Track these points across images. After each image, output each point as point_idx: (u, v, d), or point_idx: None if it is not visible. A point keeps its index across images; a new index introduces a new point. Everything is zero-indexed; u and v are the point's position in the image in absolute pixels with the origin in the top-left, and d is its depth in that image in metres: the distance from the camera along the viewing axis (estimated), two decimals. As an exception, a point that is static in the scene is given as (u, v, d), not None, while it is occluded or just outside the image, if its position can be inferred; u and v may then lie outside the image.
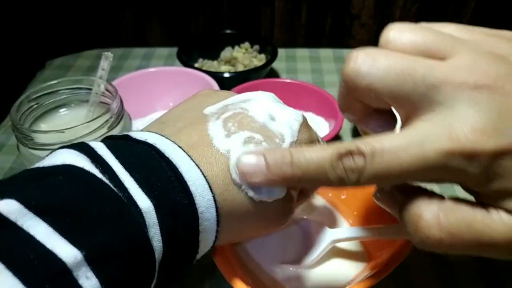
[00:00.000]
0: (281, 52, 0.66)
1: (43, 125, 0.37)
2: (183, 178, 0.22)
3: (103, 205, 0.19)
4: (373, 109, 0.24)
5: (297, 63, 0.68)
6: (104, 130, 0.34)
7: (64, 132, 0.32)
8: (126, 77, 0.53)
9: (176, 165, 0.22)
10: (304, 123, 0.27)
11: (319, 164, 0.21)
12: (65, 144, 0.23)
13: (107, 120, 0.34)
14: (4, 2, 0.70)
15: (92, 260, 0.17)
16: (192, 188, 0.22)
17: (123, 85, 0.48)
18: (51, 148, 0.32)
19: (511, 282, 0.35)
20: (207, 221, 0.22)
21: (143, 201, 0.20)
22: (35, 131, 0.33)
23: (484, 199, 0.20)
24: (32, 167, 0.21)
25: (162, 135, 0.24)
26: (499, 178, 0.19)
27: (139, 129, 0.27)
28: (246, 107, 0.26)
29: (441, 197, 0.21)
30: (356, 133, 0.52)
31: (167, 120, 0.26)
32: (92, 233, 0.18)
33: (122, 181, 0.20)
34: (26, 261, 0.16)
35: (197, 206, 0.22)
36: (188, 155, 0.23)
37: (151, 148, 0.22)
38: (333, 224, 0.36)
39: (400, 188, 0.22)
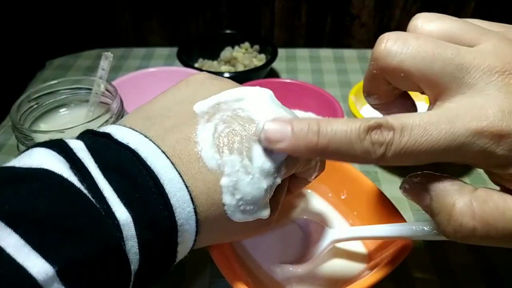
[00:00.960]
0: (281, 52, 0.66)
1: (43, 125, 0.37)
2: (164, 189, 0.21)
3: (80, 218, 0.18)
4: (397, 95, 0.25)
5: (297, 63, 0.68)
6: (104, 130, 0.34)
7: (64, 132, 0.32)
8: (126, 77, 0.53)
9: (157, 175, 0.21)
10: None
11: (346, 135, 0.20)
12: (43, 142, 0.21)
13: (107, 120, 0.34)
14: (4, 2, 0.70)
15: (64, 275, 0.17)
16: (173, 200, 0.21)
17: (123, 85, 0.48)
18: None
19: (511, 282, 0.35)
20: (186, 232, 0.22)
21: (122, 213, 0.19)
22: (35, 131, 0.33)
23: (510, 185, 0.20)
24: (7, 165, 0.19)
25: (146, 137, 0.22)
26: None
27: (122, 118, 0.25)
28: (240, 108, 0.24)
29: (472, 187, 0.21)
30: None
31: (153, 115, 0.24)
32: (66, 246, 0.17)
33: (101, 190, 0.19)
34: None
35: (176, 219, 0.21)
36: (171, 162, 0.22)
37: (133, 154, 0.21)
38: (333, 224, 0.36)
39: (429, 177, 0.22)
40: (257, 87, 0.26)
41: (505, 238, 0.19)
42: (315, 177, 0.29)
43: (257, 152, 0.23)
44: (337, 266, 0.32)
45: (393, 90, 0.24)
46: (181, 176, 0.22)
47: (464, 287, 0.34)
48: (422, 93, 0.23)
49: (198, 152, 0.22)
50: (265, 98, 0.25)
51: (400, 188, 0.24)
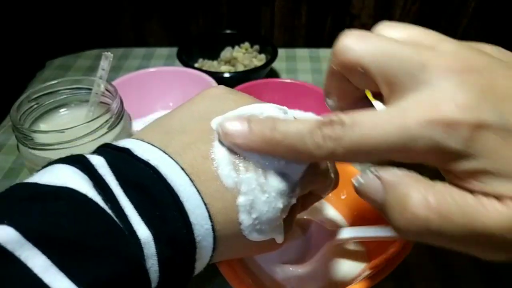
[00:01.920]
0: (281, 52, 0.66)
1: (43, 125, 0.37)
2: (183, 206, 0.21)
3: (105, 238, 0.18)
4: (357, 98, 0.25)
5: (297, 63, 0.68)
6: (104, 130, 0.34)
7: (64, 132, 0.32)
8: (126, 77, 0.53)
9: (177, 192, 0.21)
10: None
11: (298, 131, 0.21)
12: (64, 157, 0.21)
13: (107, 120, 0.34)
14: (4, 2, 0.70)
15: None
16: (192, 218, 0.21)
17: (123, 85, 0.48)
18: (51, 148, 0.32)
19: (511, 282, 0.35)
20: (203, 249, 0.22)
21: (143, 232, 0.19)
22: (35, 131, 0.33)
23: (465, 183, 0.19)
24: (29, 180, 0.20)
25: (165, 153, 0.22)
26: (479, 155, 0.18)
27: (139, 131, 0.26)
28: None
29: (429, 179, 0.20)
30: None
31: (171, 130, 0.24)
32: (91, 267, 0.17)
33: (123, 209, 0.20)
34: None
35: (195, 236, 0.21)
36: (190, 179, 0.22)
37: (153, 171, 0.21)
38: (333, 224, 0.36)
39: (385, 169, 0.21)
40: (273, 104, 0.26)
41: (463, 236, 0.18)
42: (328, 193, 0.29)
43: (273, 170, 0.23)
44: (337, 266, 0.32)
45: (352, 91, 0.24)
46: (199, 193, 0.22)
47: (464, 287, 0.34)
48: (378, 94, 0.23)
49: (216, 171, 0.23)
50: (281, 114, 0.25)
51: (353, 185, 0.23)
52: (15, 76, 0.67)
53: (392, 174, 0.20)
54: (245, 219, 0.23)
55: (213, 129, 0.24)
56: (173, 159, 0.22)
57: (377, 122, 0.19)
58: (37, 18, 0.76)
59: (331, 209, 0.37)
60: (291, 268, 0.32)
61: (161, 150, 0.23)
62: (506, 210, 0.18)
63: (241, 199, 0.22)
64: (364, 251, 0.33)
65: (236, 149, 0.23)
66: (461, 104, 0.18)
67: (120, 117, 0.36)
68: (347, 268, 0.32)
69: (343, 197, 0.36)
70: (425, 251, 0.37)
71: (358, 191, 0.22)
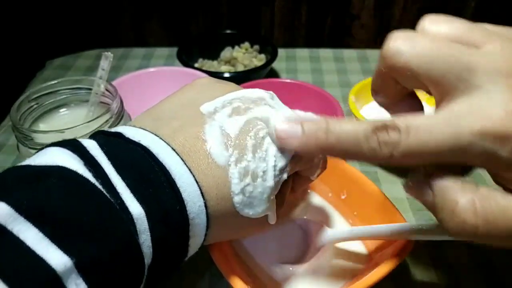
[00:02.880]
0: (281, 52, 0.66)
1: (43, 125, 0.37)
2: (176, 184, 0.21)
3: (95, 212, 0.19)
4: (405, 94, 0.25)
5: (297, 63, 0.68)
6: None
7: (64, 132, 0.32)
8: (126, 77, 0.53)
9: (169, 170, 0.22)
10: None
11: (354, 135, 0.21)
12: (56, 141, 0.22)
13: (107, 120, 0.34)
14: (4, 2, 0.70)
15: (82, 268, 0.17)
16: (184, 195, 0.22)
17: (123, 85, 0.48)
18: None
19: (511, 282, 0.35)
20: (197, 226, 0.23)
21: (135, 208, 0.20)
22: (35, 131, 0.33)
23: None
24: (22, 163, 0.20)
25: (156, 135, 0.23)
26: None
27: (131, 121, 0.26)
28: (245, 107, 0.26)
29: (475, 184, 0.21)
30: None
31: (162, 117, 0.25)
32: (83, 240, 0.18)
33: (115, 186, 0.20)
34: (16, 268, 0.16)
35: (188, 213, 0.22)
36: (182, 159, 0.22)
37: (144, 151, 0.22)
38: (333, 224, 0.36)
39: (432, 174, 0.22)
40: (259, 89, 0.27)
41: (506, 237, 0.19)
42: (318, 176, 0.29)
43: (264, 148, 0.24)
44: (337, 266, 0.32)
45: (400, 89, 0.24)
46: (191, 172, 0.22)
47: (464, 287, 0.34)
48: (429, 93, 0.23)
49: (207, 149, 0.23)
50: (268, 98, 0.27)
51: (404, 185, 0.24)
52: (15, 76, 0.67)
53: (440, 180, 0.21)
54: (237, 194, 0.23)
55: (203, 113, 0.25)
56: (164, 141, 0.23)
57: (431, 129, 0.20)
58: (37, 18, 0.76)
59: (331, 209, 0.37)
60: (291, 268, 0.32)
61: (152, 133, 0.23)
62: None
63: (233, 175, 0.23)
64: (364, 251, 0.33)
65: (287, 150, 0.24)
66: (510, 112, 0.19)
67: (120, 117, 0.36)
68: (347, 268, 0.32)
69: (343, 197, 0.36)
70: (425, 251, 0.37)
71: (408, 192, 0.23)
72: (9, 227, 0.17)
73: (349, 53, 0.70)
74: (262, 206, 0.24)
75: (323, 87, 0.58)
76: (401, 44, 0.22)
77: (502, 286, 0.35)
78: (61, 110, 0.38)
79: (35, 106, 0.36)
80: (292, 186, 0.29)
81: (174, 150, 0.23)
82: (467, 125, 0.19)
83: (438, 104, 0.22)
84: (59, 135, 0.32)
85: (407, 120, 0.20)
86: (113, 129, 0.24)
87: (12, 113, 0.34)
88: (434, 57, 0.21)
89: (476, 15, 0.74)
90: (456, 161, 0.20)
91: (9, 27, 0.73)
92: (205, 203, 0.22)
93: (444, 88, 0.21)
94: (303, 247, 0.33)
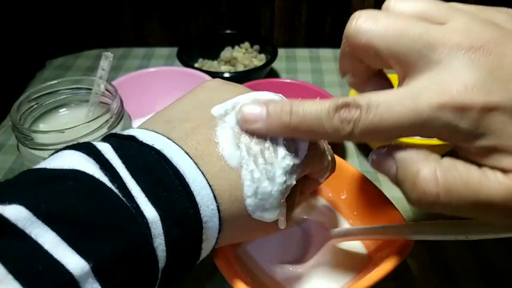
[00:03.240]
0: (281, 52, 0.66)
1: (43, 125, 0.37)
2: (189, 187, 0.22)
3: (112, 216, 0.19)
4: (372, 74, 0.25)
5: (297, 63, 0.68)
6: (104, 130, 0.34)
7: (64, 132, 0.32)
8: (126, 77, 0.53)
9: (183, 174, 0.22)
10: None
11: (316, 114, 0.22)
12: (70, 144, 0.22)
13: (107, 120, 0.34)
14: (4, 2, 0.70)
15: (98, 271, 0.17)
16: (198, 198, 0.22)
17: (123, 85, 0.48)
18: (51, 148, 0.32)
19: (511, 282, 0.35)
20: (210, 230, 0.23)
21: (150, 212, 0.20)
22: (35, 131, 0.33)
23: (476, 158, 0.20)
24: (38, 166, 0.20)
25: (169, 139, 0.23)
26: (489, 134, 0.19)
27: (142, 123, 0.26)
28: None
29: (437, 155, 0.21)
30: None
31: (173, 119, 0.25)
32: (99, 244, 0.18)
33: (130, 190, 0.20)
34: (34, 271, 0.16)
35: (201, 216, 0.22)
36: (195, 162, 0.22)
37: (158, 155, 0.22)
38: (333, 224, 0.36)
39: (395, 147, 0.22)
40: (269, 92, 0.27)
41: (468, 207, 0.20)
42: (326, 178, 0.30)
43: (276, 151, 0.24)
44: (337, 266, 0.32)
45: (366, 68, 0.25)
46: (204, 176, 0.22)
47: (464, 287, 0.34)
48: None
49: (220, 152, 0.23)
50: (278, 100, 0.26)
51: (368, 160, 0.24)
52: (15, 76, 0.67)
53: (403, 152, 0.22)
54: (250, 197, 0.23)
55: (214, 116, 0.25)
56: (176, 144, 0.23)
57: (391, 105, 0.20)
58: (37, 18, 0.76)
59: (331, 209, 0.37)
60: (290, 268, 0.32)
61: (164, 136, 0.23)
62: (508, 181, 0.19)
63: (245, 178, 0.23)
64: (364, 251, 0.33)
65: (253, 133, 0.24)
66: (470, 85, 0.19)
67: (120, 117, 0.36)
68: (347, 268, 0.32)
69: (343, 197, 0.36)
70: (425, 251, 0.37)
71: (372, 166, 0.24)
72: (28, 230, 0.17)
73: (349, 53, 0.70)
74: (274, 209, 0.24)
75: (323, 87, 0.58)
76: (362, 23, 0.22)
77: (502, 286, 0.35)
78: (61, 110, 0.38)
79: (35, 106, 0.36)
80: (301, 189, 0.29)
81: (187, 153, 0.23)
82: (426, 99, 0.19)
83: (401, 82, 0.22)
84: (59, 135, 0.32)
85: (368, 98, 0.21)
86: (125, 132, 0.24)
87: (12, 113, 0.34)
88: (395, 35, 0.21)
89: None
90: (418, 135, 0.21)
91: (9, 27, 0.73)
92: (217, 206, 0.22)
93: (407, 66, 0.21)
94: (303, 247, 0.33)
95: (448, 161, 0.20)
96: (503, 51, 0.20)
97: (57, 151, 0.22)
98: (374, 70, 0.26)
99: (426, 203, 0.20)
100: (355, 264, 0.32)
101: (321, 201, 0.37)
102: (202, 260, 0.24)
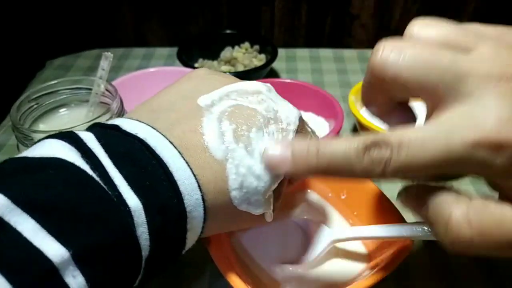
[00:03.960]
0: (281, 52, 0.66)
1: (43, 125, 0.37)
2: (173, 177, 0.21)
3: (93, 204, 0.19)
4: (395, 104, 0.24)
5: (297, 63, 0.68)
6: (104, 130, 0.34)
7: (64, 132, 0.32)
8: (126, 77, 0.53)
9: (166, 163, 0.22)
10: (301, 119, 0.27)
11: (345, 155, 0.21)
12: (53, 133, 0.22)
13: (107, 120, 0.34)
14: (4, 2, 0.70)
15: (79, 259, 0.17)
16: (181, 188, 0.22)
17: (123, 85, 0.48)
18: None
19: (511, 282, 0.35)
20: (194, 219, 0.22)
21: (132, 200, 0.20)
22: (35, 131, 0.33)
23: (510, 194, 0.20)
24: (19, 155, 0.20)
25: (153, 128, 0.23)
26: None
27: (127, 113, 0.26)
28: (243, 100, 0.25)
29: (468, 196, 0.20)
30: (356, 133, 0.52)
31: (159, 109, 0.25)
32: (80, 232, 0.18)
33: (112, 178, 0.20)
34: (13, 260, 0.16)
35: (185, 205, 0.22)
36: (179, 151, 0.22)
37: (141, 143, 0.22)
38: (333, 224, 0.36)
39: (426, 188, 0.22)
40: (256, 81, 0.27)
41: (502, 247, 0.19)
42: None
43: (261, 144, 0.24)
44: (337, 266, 0.32)
45: (391, 100, 0.24)
46: (188, 165, 0.22)
47: (464, 287, 0.34)
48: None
49: (205, 143, 0.23)
50: (265, 91, 0.27)
51: (397, 199, 0.24)
52: (15, 76, 0.67)
53: (433, 193, 0.21)
54: (235, 190, 0.23)
55: (201, 106, 0.24)
56: (161, 133, 0.23)
57: (423, 143, 0.19)
58: (37, 18, 0.76)
59: (331, 209, 0.37)
60: (291, 268, 0.32)
61: (149, 125, 0.23)
62: None
63: (230, 171, 0.23)
64: (364, 251, 0.33)
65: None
66: (503, 119, 0.18)
67: (120, 117, 0.35)
68: (347, 268, 0.32)
69: (343, 197, 0.36)
70: (425, 251, 0.37)
71: (402, 204, 0.23)
72: (6, 218, 0.17)
73: (349, 53, 0.70)
74: (260, 202, 0.24)
75: (323, 87, 0.58)
76: (388, 55, 0.21)
77: (502, 286, 0.35)
78: (61, 110, 0.38)
79: (35, 106, 0.36)
80: (289, 179, 0.28)
81: (172, 143, 0.22)
82: (459, 136, 0.19)
83: (430, 113, 0.22)
84: (59, 135, 0.32)
85: (398, 136, 0.20)
86: (110, 122, 0.24)
87: (12, 113, 0.34)
88: (423, 67, 0.20)
89: (476, 15, 0.74)
90: (451, 172, 0.20)
91: (9, 27, 0.73)
92: (202, 196, 0.22)
93: (435, 98, 0.20)
94: (303, 247, 0.33)
95: (479, 201, 0.20)
96: None
97: (40, 140, 0.21)
98: (399, 100, 0.25)
99: (460, 247, 0.19)
100: (355, 264, 0.32)
101: (321, 201, 0.37)
102: (201, 260, 0.24)
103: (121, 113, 0.36)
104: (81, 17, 0.77)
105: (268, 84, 0.27)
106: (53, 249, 0.17)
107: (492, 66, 0.19)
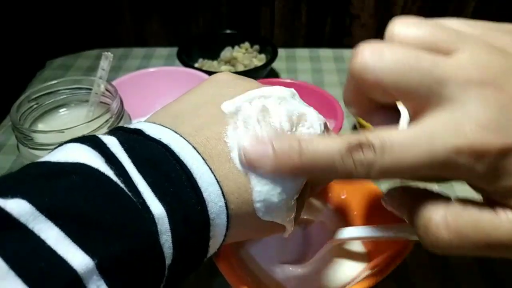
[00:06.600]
0: (281, 52, 0.66)
1: (43, 125, 0.37)
2: (197, 183, 0.21)
3: (118, 212, 0.18)
4: (379, 105, 0.24)
5: (297, 63, 0.68)
6: (104, 130, 0.34)
7: (64, 132, 0.32)
8: (126, 77, 0.53)
9: (190, 169, 0.21)
10: (326, 125, 0.27)
11: (329, 156, 0.20)
12: (76, 137, 0.21)
13: (107, 120, 0.34)
14: (4, 2, 0.70)
15: (103, 269, 0.17)
16: (205, 194, 0.21)
17: (123, 85, 0.48)
18: (51, 148, 0.32)
19: (511, 282, 0.35)
20: (217, 227, 0.22)
21: (156, 207, 0.19)
22: (35, 131, 0.33)
23: (492, 197, 0.20)
24: (41, 160, 0.20)
25: (177, 133, 0.22)
26: (506, 176, 0.19)
27: (149, 117, 0.25)
28: (267, 107, 0.24)
29: (448, 199, 0.21)
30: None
31: (181, 114, 0.24)
32: (104, 240, 0.17)
33: (136, 185, 0.19)
34: (36, 268, 0.16)
35: (209, 213, 0.21)
36: (202, 158, 0.22)
37: (165, 149, 0.21)
38: (333, 224, 0.36)
39: (408, 191, 0.22)
40: (280, 86, 0.26)
41: (481, 249, 0.20)
42: None
43: None
44: (337, 266, 0.32)
45: (373, 101, 0.24)
46: (212, 172, 0.22)
47: (464, 287, 0.34)
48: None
49: (229, 153, 0.22)
50: (289, 96, 0.26)
51: (382, 200, 0.24)
52: (15, 76, 0.67)
53: (414, 197, 0.21)
54: (259, 202, 0.23)
55: (225, 113, 0.24)
56: (184, 139, 0.22)
57: (406, 146, 0.19)
58: (37, 18, 0.76)
59: (331, 209, 0.37)
60: (291, 268, 0.32)
61: (172, 130, 0.22)
62: None
63: (254, 184, 0.22)
64: (364, 251, 0.33)
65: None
66: (484, 126, 0.18)
67: (120, 117, 0.36)
68: (347, 268, 0.32)
69: (343, 197, 0.36)
70: (425, 251, 0.37)
71: (385, 206, 0.24)
72: (30, 225, 0.16)
73: (349, 53, 0.70)
74: (284, 212, 0.24)
75: (323, 87, 0.58)
76: (368, 59, 0.20)
77: (502, 286, 0.35)
78: (61, 110, 0.38)
79: (35, 106, 0.36)
80: (311, 186, 0.28)
81: (195, 148, 0.22)
82: (441, 142, 0.19)
83: (412, 117, 0.22)
84: (59, 135, 0.32)
85: (381, 137, 0.20)
86: (132, 126, 0.23)
87: (12, 113, 0.34)
88: (403, 71, 0.20)
89: (476, 15, 0.74)
90: (433, 175, 0.20)
91: (9, 27, 0.73)
92: (225, 203, 0.22)
93: (417, 102, 0.20)
94: (303, 247, 0.33)
95: (458, 205, 0.20)
96: (509, 85, 0.19)
97: (61, 144, 0.21)
98: (381, 102, 0.24)
99: (440, 249, 0.20)
100: (355, 264, 0.32)
101: (321, 201, 0.37)
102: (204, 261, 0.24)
103: (121, 113, 0.36)
104: (81, 17, 0.77)
105: (292, 89, 0.27)
106: (77, 258, 0.16)
107: (472, 70, 0.19)
